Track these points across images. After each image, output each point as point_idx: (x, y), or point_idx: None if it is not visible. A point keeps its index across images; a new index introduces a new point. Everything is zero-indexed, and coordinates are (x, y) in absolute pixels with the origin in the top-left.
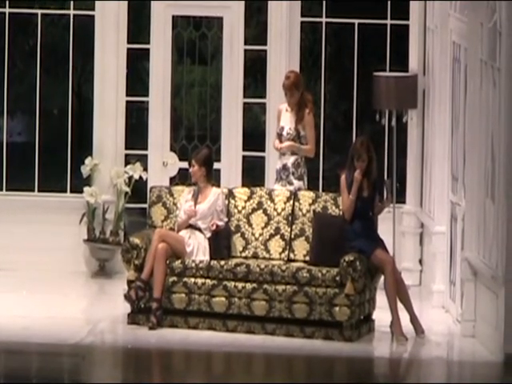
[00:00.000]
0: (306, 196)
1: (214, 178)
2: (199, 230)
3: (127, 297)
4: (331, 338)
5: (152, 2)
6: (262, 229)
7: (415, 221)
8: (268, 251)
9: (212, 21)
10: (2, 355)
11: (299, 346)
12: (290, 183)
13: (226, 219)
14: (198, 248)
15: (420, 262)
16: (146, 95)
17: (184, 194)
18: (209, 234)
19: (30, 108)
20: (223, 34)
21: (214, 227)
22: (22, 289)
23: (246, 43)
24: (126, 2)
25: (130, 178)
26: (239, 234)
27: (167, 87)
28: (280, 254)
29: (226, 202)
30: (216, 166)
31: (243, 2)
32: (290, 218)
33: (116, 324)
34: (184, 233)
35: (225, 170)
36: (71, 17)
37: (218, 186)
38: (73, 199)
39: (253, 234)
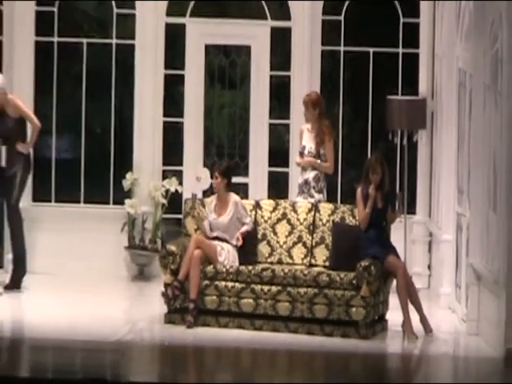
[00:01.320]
0: (326, 207)
1: (241, 191)
2: (226, 240)
3: (164, 294)
4: (348, 335)
5: (187, 32)
6: (286, 237)
7: (424, 230)
8: (291, 257)
9: (241, 49)
10: (50, 351)
11: (319, 343)
12: (311, 196)
13: (249, 219)
14: (228, 258)
15: (429, 267)
16: (181, 116)
17: (208, 205)
18: (236, 243)
19: (75, 127)
20: (251, 61)
21: (241, 242)
22: (69, 291)
23: (271, 69)
24: (163, 34)
25: (167, 191)
26: (265, 242)
27: (200, 109)
28: (302, 259)
29: (254, 213)
30: (244, 180)
31: (269, 32)
32: (311, 228)
33: (154, 323)
34: (215, 244)
35: (252, 184)
36: (113, 45)
37: (246, 198)
38: (115, 210)
39: (277, 242)
